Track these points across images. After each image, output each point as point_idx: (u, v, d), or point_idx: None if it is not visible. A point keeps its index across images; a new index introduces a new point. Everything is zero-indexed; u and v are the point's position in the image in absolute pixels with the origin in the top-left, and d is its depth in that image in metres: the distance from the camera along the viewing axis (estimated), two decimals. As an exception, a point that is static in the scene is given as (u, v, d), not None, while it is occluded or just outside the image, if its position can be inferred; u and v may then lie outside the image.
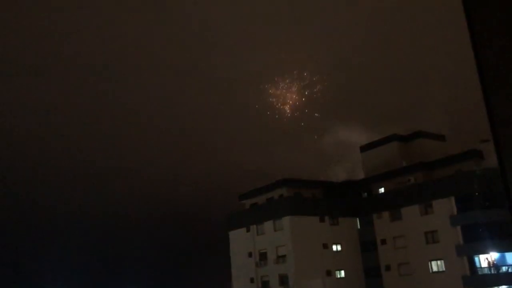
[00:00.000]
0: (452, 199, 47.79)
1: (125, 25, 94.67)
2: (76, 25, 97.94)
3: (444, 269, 48.07)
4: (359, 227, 56.43)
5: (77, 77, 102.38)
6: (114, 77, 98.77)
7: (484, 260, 46.21)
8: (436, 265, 49.00)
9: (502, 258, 46.20)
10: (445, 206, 48.05)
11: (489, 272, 45.84)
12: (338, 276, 53.39)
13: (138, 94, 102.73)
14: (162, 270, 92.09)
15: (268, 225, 55.00)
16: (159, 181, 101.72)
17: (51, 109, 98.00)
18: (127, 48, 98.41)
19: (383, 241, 53.56)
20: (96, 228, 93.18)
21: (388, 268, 52.77)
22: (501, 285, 44.96)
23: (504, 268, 45.72)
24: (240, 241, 58.64)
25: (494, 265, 45.73)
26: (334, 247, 54.15)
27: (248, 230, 57.75)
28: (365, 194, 58.40)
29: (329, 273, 52.43)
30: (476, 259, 46.54)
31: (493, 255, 46.00)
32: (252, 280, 55.98)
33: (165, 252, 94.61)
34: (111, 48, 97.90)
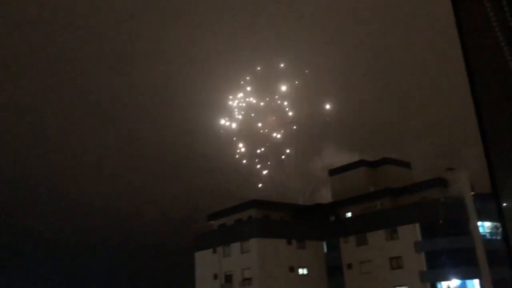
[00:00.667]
0: (417, 225, 48.54)
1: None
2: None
3: (408, 295, 48.46)
4: (326, 250, 56.45)
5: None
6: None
7: (447, 287, 46.93)
8: (400, 291, 49.37)
9: (464, 285, 47.01)
10: (410, 232, 48.75)
11: (451, 299, 46.50)
12: (304, 300, 53.04)
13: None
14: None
15: (235, 247, 54.34)
16: (124, 200, 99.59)
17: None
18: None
19: (349, 266, 53.69)
20: (60, 254, 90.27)
21: (353, 293, 52.78)
22: (462, 312, 45.64)
23: (465, 295, 46.52)
24: (206, 262, 57.65)
25: (456, 292, 46.49)
26: (301, 271, 53.89)
27: (214, 252, 56.90)
28: (333, 217, 58.67)
29: (295, 297, 52.03)
30: (439, 285, 47.21)
31: (455, 282, 46.78)
32: (216, 303, 54.93)
33: (128, 273, 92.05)
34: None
